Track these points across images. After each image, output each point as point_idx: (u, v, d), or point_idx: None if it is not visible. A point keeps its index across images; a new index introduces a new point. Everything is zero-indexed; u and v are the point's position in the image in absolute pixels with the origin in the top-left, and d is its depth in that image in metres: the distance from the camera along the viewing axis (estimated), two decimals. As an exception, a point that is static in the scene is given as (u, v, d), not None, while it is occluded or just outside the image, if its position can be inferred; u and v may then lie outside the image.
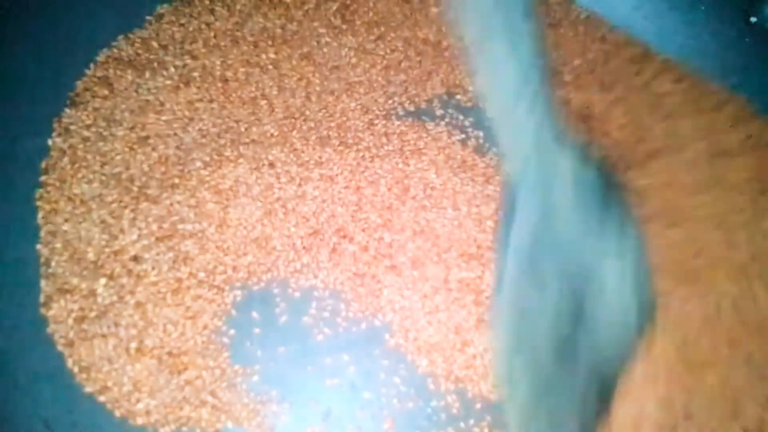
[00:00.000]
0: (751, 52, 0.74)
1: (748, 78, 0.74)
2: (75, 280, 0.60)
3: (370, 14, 0.73)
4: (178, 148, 0.66)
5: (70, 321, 0.59)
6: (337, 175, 0.66)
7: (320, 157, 0.67)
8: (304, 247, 0.64)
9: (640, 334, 0.45)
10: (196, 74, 0.68)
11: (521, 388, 0.45)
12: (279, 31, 0.71)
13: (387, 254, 0.64)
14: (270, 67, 0.70)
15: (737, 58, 0.74)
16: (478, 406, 0.61)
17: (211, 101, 0.68)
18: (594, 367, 0.45)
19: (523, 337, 0.44)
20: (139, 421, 0.58)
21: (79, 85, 0.67)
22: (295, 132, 0.68)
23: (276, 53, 0.70)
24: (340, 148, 0.67)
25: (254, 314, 0.62)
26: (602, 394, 0.46)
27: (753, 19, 0.73)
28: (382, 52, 0.72)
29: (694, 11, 0.76)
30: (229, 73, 0.69)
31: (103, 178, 0.64)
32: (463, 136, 0.70)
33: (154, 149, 0.65)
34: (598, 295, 0.44)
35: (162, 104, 0.67)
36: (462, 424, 0.61)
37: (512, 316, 0.44)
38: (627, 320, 0.45)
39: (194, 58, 0.69)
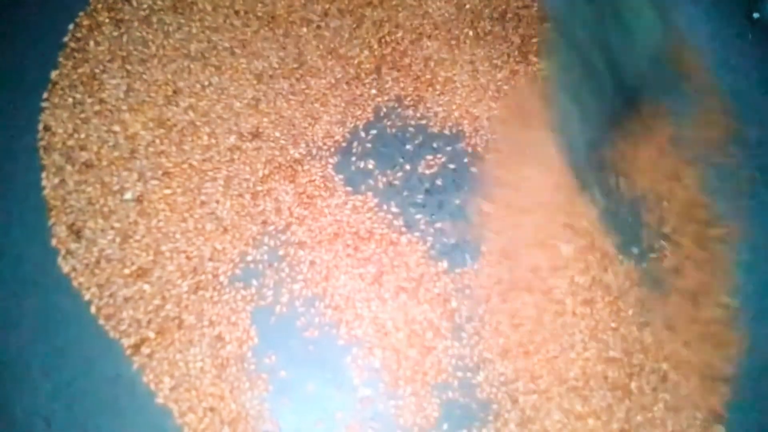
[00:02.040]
0: (754, 49, 0.73)
1: (750, 75, 0.74)
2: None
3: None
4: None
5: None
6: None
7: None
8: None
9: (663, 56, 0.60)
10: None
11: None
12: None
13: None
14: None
15: (739, 55, 0.74)
16: (485, 407, 0.61)
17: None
18: (622, 72, 0.58)
19: (581, 52, 0.58)
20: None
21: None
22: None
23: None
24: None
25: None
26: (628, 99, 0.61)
27: (756, 15, 0.72)
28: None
29: (696, 7, 0.75)
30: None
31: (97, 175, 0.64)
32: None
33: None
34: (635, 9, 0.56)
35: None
36: (466, 424, 0.61)
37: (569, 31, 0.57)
38: (653, 35, 0.58)
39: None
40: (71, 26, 0.67)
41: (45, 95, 0.65)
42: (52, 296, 0.60)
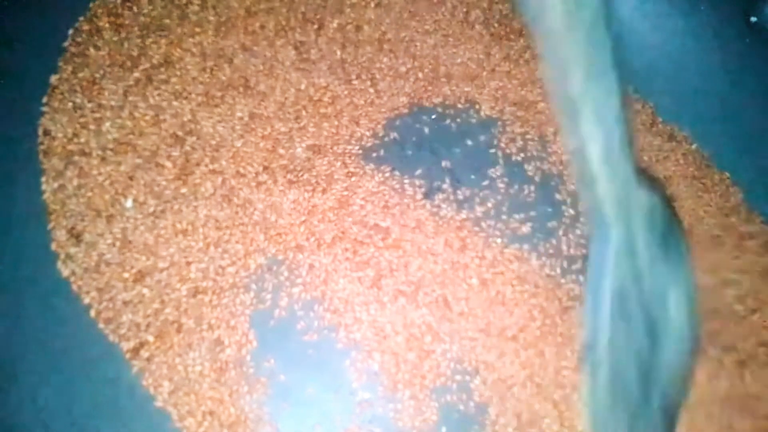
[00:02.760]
0: (752, 52, 0.73)
1: (748, 77, 0.74)
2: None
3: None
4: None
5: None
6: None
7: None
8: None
9: (693, 359, 0.47)
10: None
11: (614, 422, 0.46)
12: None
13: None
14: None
15: (737, 58, 0.74)
16: (483, 410, 0.61)
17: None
18: (664, 394, 0.46)
19: (617, 374, 0.45)
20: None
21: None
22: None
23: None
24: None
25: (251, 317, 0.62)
26: (669, 419, 0.47)
27: (753, 19, 0.73)
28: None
29: (694, 11, 0.76)
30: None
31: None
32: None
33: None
34: (666, 321, 0.45)
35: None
36: (464, 427, 0.61)
37: (608, 355, 0.44)
38: (686, 346, 0.46)
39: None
40: (71, 31, 0.68)
41: (45, 99, 0.65)
42: (51, 300, 0.60)
